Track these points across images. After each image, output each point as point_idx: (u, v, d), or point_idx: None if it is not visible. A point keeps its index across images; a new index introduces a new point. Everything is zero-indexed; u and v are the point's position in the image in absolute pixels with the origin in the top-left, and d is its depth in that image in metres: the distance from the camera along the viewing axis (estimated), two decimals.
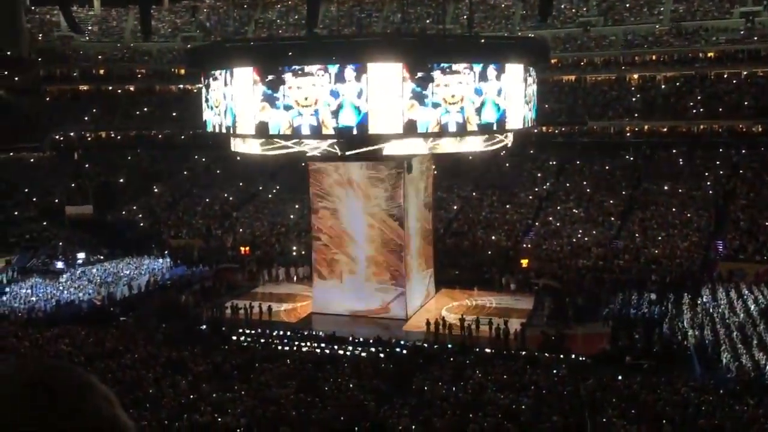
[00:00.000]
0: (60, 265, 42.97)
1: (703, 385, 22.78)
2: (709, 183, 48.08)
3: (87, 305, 35.21)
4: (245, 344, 29.87)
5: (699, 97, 54.83)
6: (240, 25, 69.14)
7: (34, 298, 35.67)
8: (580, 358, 26.85)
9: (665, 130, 54.27)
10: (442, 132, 28.08)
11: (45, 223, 49.23)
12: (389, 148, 29.55)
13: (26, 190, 53.31)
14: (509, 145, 33.32)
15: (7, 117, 59.11)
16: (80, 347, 26.39)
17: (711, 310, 31.41)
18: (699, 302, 32.76)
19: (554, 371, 24.28)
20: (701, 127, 53.46)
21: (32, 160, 57.68)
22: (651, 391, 21.38)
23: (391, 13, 67.50)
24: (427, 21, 66.13)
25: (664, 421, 18.25)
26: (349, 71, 26.95)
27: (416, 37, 50.54)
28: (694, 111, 54.17)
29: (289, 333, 30.74)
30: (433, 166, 37.86)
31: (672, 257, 39.88)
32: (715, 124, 52.89)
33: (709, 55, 56.47)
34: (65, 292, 36.83)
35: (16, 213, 49.89)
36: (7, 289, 37.38)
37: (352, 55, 27.63)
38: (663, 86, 57.01)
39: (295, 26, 67.75)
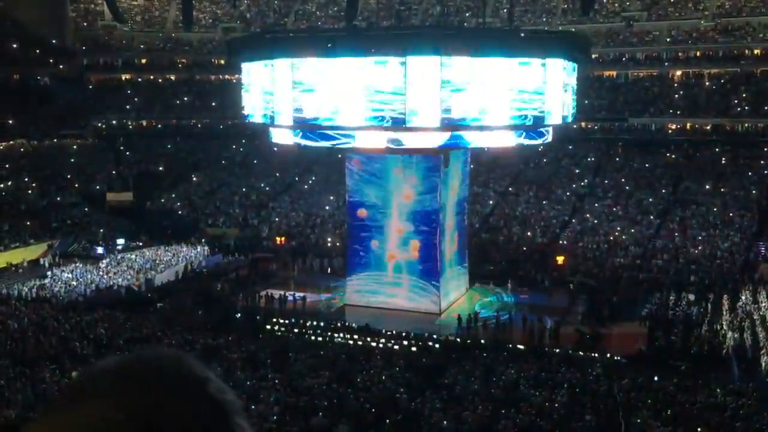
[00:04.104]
0: (100, 250, 43.81)
1: (740, 388, 22.34)
2: (752, 183, 47.03)
3: (126, 290, 35.87)
4: (279, 333, 30.16)
5: (744, 95, 53.59)
6: (279, 16, 69.50)
7: (74, 283, 36.40)
8: (616, 358, 26.54)
9: (708, 128, 53.15)
10: (480, 126, 27.93)
11: (86, 209, 50.18)
12: (426, 141, 29.46)
13: (69, 176, 54.38)
14: (549, 140, 32.94)
15: (52, 104, 60.40)
16: (118, 331, 26.90)
17: (751, 313, 30.79)
18: (738, 304, 32.13)
19: (589, 370, 24.04)
20: (745, 125, 52.30)
21: (75, 147, 58.77)
22: (687, 393, 21.05)
23: (430, 5, 67.18)
24: (467, 14, 65.67)
25: (700, 425, 17.96)
26: (389, 63, 26.95)
27: (455, 30, 50.13)
28: (739, 109, 52.97)
29: (322, 324, 30.93)
30: (470, 160, 37.64)
31: (712, 258, 39.13)
32: (760, 123, 51.65)
33: (756, 52, 55.10)
34: (105, 277, 37.53)
35: (58, 198, 50.91)
36: (49, 273, 38.19)
37: (392, 48, 27.61)
38: (707, 83, 55.83)
39: (334, 18, 67.84)
